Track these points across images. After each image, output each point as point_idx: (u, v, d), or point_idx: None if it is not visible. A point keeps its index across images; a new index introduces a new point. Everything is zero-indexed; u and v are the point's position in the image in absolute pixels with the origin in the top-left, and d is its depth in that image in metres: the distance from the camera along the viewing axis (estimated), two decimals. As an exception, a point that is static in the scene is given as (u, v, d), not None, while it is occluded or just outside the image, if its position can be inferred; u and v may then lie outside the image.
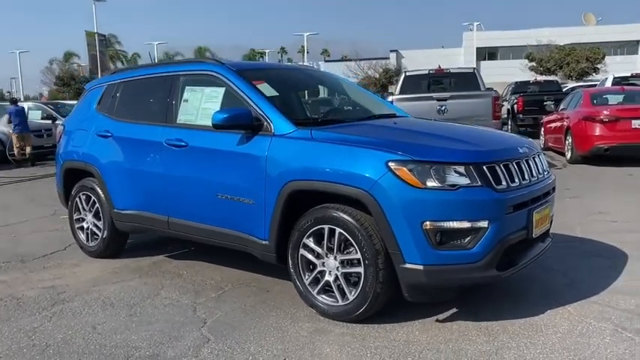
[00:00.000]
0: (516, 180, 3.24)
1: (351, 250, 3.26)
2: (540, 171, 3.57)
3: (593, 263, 4.34)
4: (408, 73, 11.19)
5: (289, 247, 3.53)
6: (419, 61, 53.43)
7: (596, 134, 9.93)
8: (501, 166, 3.19)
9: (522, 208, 3.24)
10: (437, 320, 3.34)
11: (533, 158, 3.55)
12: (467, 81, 10.79)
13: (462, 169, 3.07)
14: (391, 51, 61.19)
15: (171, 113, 4.27)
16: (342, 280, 3.31)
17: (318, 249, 3.40)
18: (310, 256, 3.45)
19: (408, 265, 3.06)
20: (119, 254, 4.99)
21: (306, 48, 53.72)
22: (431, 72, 11.30)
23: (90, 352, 3.08)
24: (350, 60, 58.24)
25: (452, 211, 3.02)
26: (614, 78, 18.41)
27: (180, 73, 4.37)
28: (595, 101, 10.82)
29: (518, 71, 39.76)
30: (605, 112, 9.99)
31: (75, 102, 26.25)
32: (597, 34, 53.88)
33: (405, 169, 3.04)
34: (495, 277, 3.16)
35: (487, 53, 59.13)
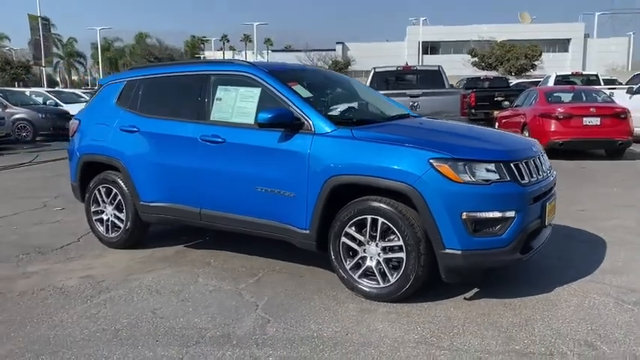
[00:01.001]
0: (534, 176, 3.74)
1: (392, 237, 3.67)
2: (546, 168, 4.09)
3: (579, 248, 4.94)
4: (377, 69, 11.67)
5: (330, 236, 3.89)
6: (364, 53, 54.58)
7: (552, 130, 10.77)
8: (523, 163, 3.68)
9: (539, 200, 3.75)
10: (464, 298, 3.80)
11: (540, 157, 4.06)
12: (432, 78, 11.40)
13: (492, 166, 3.53)
14: (337, 43, 61.98)
15: (204, 111, 4.51)
16: (383, 265, 3.71)
17: (359, 237, 3.79)
18: (351, 244, 3.82)
19: (447, 251, 3.50)
20: (139, 245, 5.17)
21: (255, 37, 53.46)
22: (399, 68, 11.85)
23: (162, 333, 3.34)
24: (296, 51, 58.56)
25: (486, 203, 3.48)
26: (557, 76, 19.64)
27: (211, 72, 4.61)
28: (549, 99, 11.69)
29: (460, 66, 41.36)
30: (559, 109, 10.84)
31: (22, 89, 25.30)
32: (532, 32, 56.62)
33: (446, 165, 3.47)
34: (519, 259, 3.66)
35: (429, 47, 60.85)
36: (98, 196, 5.18)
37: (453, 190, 3.46)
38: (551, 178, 4.12)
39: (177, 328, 3.41)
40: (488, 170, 3.53)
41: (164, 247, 5.17)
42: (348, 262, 3.86)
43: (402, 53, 61.24)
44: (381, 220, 3.67)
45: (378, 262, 3.74)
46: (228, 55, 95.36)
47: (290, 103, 4.10)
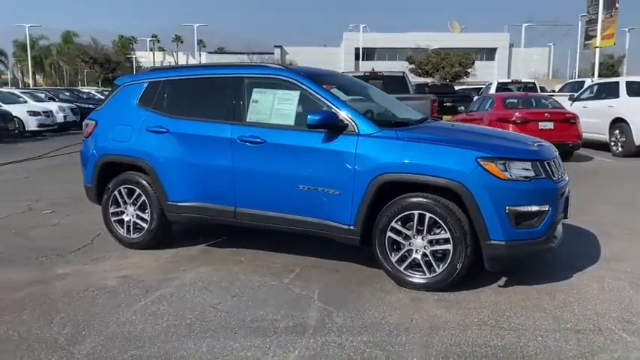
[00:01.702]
0: (559, 173, 4.16)
1: (438, 231, 3.96)
2: (562, 167, 4.52)
3: (578, 240, 5.43)
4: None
5: (376, 231, 4.14)
6: (302, 57, 55.04)
7: (510, 134, 11.47)
8: (552, 162, 4.08)
9: (563, 195, 4.17)
10: (499, 286, 4.15)
11: (558, 157, 4.48)
12: (398, 84, 11.87)
13: (529, 164, 3.92)
14: (275, 46, 62.19)
15: (239, 112, 4.63)
16: (430, 257, 4.00)
17: (406, 231, 4.06)
18: (397, 238, 4.09)
19: (492, 242, 3.84)
20: (160, 245, 5.19)
21: (195, 39, 52.62)
22: (366, 74, 12.23)
23: (235, 326, 3.46)
24: (234, 53, 58.23)
25: (526, 198, 3.85)
26: (498, 83, 20.80)
27: (245, 75, 4.74)
28: (506, 105, 12.46)
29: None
30: (517, 114, 11.59)
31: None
32: (461, 41, 59.14)
33: (492, 164, 3.81)
34: (550, 248, 4.05)
35: (365, 54, 62.20)
36: (119, 197, 5.16)
37: (498, 186, 3.80)
38: (567, 176, 4.56)
39: (247, 321, 3.55)
40: (525, 169, 3.90)
41: (186, 247, 5.22)
42: (393, 256, 4.12)
43: (339, 58, 62.36)
44: (428, 214, 3.96)
45: (424, 255, 4.02)
46: (159, 56, 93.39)
47: (332, 106, 4.31)
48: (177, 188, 4.84)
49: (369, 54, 62.48)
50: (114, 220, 5.23)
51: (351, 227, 4.20)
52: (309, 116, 4.17)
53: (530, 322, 3.51)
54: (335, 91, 4.54)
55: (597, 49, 18.20)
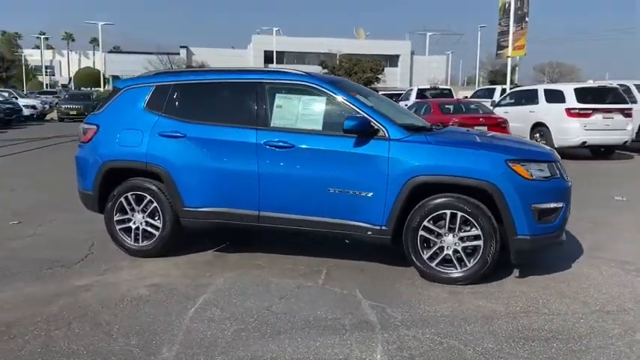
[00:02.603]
0: (566, 174, 4.63)
1: (468, 228, 4.27)
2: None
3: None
4: None
5: (408, 230, 4.37)
6: (210, 58, 54.25)
7: (449, 137, 12.21)
8: (560, 164, 4.54)
9: (571, 194, 4.64)
10: (515, 277, 4.54)
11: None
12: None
13: (545, 166, 4.34)
14: (181, 47, 60.70)
15: (262, 117, 4.68)
16: (462, 253, 4.30)
17: (437, 229, 4.33)
18: (429, 236, 4.35)
19: (519, 237, 4.21)
20: (167, 253, 5.08)
21: (100, 38, 49.94)
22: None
23: (302, 326, 3.55)
24: (137, 53, 56.22)
25: (547, 196, 4.27)
26: (418, 89, 21.88)
27: (265, 81, 4.79)
28: (442, 110, 13.22)
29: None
30: (454, 119, 12.34)
31: None
32: (367, 47, 61.10)
33: (519, 165, 4.19)
34: (562, 241, 4.50)
35: (274, 57, 62.40)
36: (125, 204, 4.99)
37: (525, 185, 4.18)
38: None
39: (311, 321, 3.64)
40: (541, 169, 4.32)
41: (195, 254, 5.14)
42: (425, 253, 4.38)
43: (248, 61, 62.07)
44: (460, 213, 4.25)
45: (456, 251, 4.32)
46: (48, 54, 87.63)
47: (360, 111, 4.49)
48: (195, 194, 4.78)
49: (278, 57, 62.68)
50: (119, 229, 5.04)
51: (383, 227, 4.41)
52: (345, 121, 4.33)
53: (564, 307, 3.90)
54: (359, 97, 4.72)
55: (509, 59, 19.77)
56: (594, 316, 3.74)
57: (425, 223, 4.34)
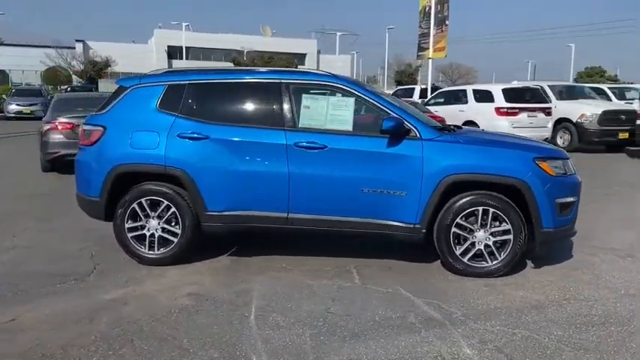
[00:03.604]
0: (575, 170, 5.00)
1: (499, 223, 4.49)
2: None
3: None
4: None
5: (440, 227, 4.52)
6: (109, 53, 51.68)
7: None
8: (571, 161, 4.90)
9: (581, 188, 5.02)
10: (532, 268, 4.83)
11: None
12: None
13: (561, 162, 4.67)
14: (77, 40, 57.15)
15: (290, 118, 4.61)
16: (493, 247, 4.52)
17: (469, 226, 4.51)
18: (462, 232, 4.52)
19: (544, 229, 4.50)
20: (181, 260, 4.85)
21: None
22: None
23: (376, 326, 3.57)
24: (13, 45, 52.59)
25: (566, 191, 4.60)
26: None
27: (289, 81, 4.71)
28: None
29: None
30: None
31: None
32: (275, 45, 61.11)
33: (545, 163, 4.47)
34: (574, 233, 4.85)
35: (178, 53, 60.65)
36: (139, 210, 4.71)
37: (550, 181, 4.48)
38: None
39: (378, 320, 3.68)
40: (557, 166, 4.64)
41: (209, 260, 4.92)
42: (457, 249, 4.54)
43: (150, 56, 59.84)
44: (492, 210, 4.46)
45: (487, 245, 4.52)
46: None
47: (390, 112, 4.57)
48: (219, 197, 4.62)
49: (181, 53, 60.92)
50: (131, 237, 4.75)
51: (416, 225, 4.52)
52: (384, 122, 4.39)
53: (594, 293, 4.22)
54: (387, 98, 4.80)
55: (430, 60, 20.69)
56: (626, 300, 4.09)
57: (458, 220, 4.50)
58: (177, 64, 60.48)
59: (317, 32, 63.20)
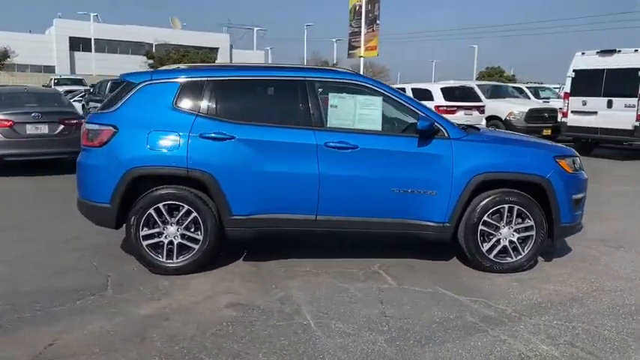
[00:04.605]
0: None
1: (522, 220, 4.64)
2: None
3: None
4: None
5: (468, 225, 4.59)
6: (7, 42, 47.80)
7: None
8: (580, 159, 5.15)
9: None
10: (544, 261, 5.04)
11: None
12: None
13: (571, 160, 4.90)
14: (-33, 30, 52.11)
15: (318, 117, 4.48)
16: (517, 243, 4.65)
17: (496, 223, 4.62)
18: (488, 229, 4.62)
19: (563, 224, 4.70)
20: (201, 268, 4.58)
21: None
22: None
23: (441, 328, 3.56)
24: None
25: (579, 187, 4.84)
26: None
27: (314, 79, 4.58)
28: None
29: (136, 66, 40.73)
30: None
31: None
32: (186, 38, 59.30)
33: (564, 161, 4.67)
34: (582, 227, 5.11)
35: (81, 44, 57.27)
36: (156, 216, 4.38)
37: (568, 178, 4.69)
38: None
39: (439, 322, 3.67)
40: (570, 164, 4.87)
41: (225, 267, 4.69)
42: (484, 246, 4.63)
43: (51, 47, 56.08)
44: (516, 207, 4.60)
45: (511, 242, 4.65)
46: None
47: (419, 112, 4.58)
48: (246, 200, 4.40)
49: (85, 45, 57.54)
50: (147, 245, 4.41)
51: (446, 224, 4.56)
52: (419, 122, 4.39)
53: (615, 283, 4.47)
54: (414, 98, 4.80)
55: (362, 59, 20.97)
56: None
57: (485, 217, 4.59)
58: (81, 56, 57.21)
59: (226, 26, 62.04)
